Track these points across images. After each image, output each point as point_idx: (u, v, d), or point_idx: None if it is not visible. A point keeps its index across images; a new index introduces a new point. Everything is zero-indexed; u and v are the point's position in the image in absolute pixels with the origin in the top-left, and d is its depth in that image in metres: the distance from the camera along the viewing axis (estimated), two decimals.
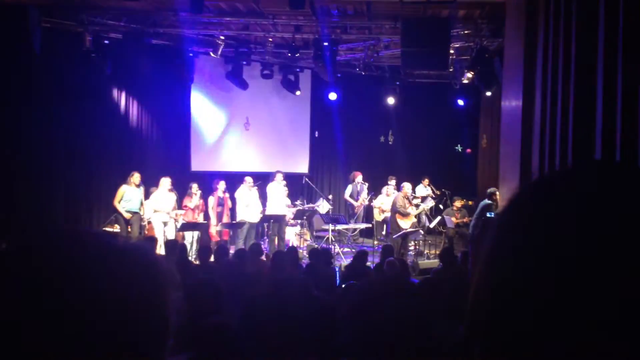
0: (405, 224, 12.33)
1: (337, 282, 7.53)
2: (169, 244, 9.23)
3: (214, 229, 12.81)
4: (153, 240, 10.04)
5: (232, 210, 13.09)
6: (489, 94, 13.48)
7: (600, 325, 0.61)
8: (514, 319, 0.66)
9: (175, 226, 12.06)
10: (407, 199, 12.54)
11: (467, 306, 0.74)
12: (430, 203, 14.08)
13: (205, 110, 15.17)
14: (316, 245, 12.11)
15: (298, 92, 14.78)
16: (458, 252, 12.54)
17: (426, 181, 14.92)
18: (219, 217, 12.95)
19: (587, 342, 0.61)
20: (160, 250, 9.63)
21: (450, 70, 13.44)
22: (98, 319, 0.82)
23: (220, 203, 12.97)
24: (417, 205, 13.14)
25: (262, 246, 11.47)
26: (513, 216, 0.73)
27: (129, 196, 11.75)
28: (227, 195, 13.00)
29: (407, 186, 12.75)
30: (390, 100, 15.52)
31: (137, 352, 0.86)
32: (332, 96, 14.89)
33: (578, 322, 0.62)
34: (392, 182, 13.94)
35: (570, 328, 0.62)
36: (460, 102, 15.28)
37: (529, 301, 0.64)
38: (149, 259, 0.92)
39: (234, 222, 12.67)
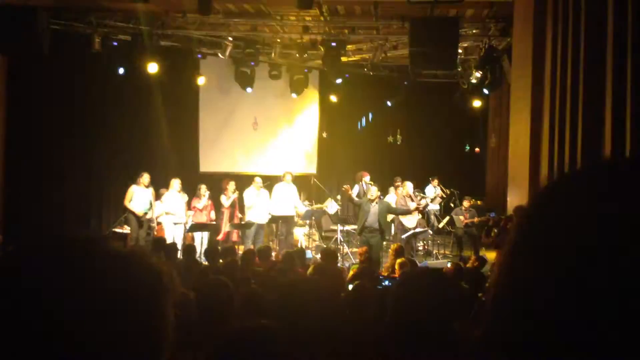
0: (409, 221, 12.29)
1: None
2: (187, 247, 9.25)
3: (228, 228, 12.80)
4: (163, 241, 10.07)
5: (242, 211, 13.10)
6: (486, 91, 13.44)
7: (623, 325, 0.60)
8: (533, 320, 0.65)
9: (185, 227, 12.11)
10: (410, 197, 12.49)
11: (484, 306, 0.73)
12: (437, 203, 14.05)
13: (213, 111, 15.19)
14: (324, 246, 12.11)
15: (294, 95, 14.72)
16: (467, 253, 12.60)
17: (435, 181, 14.86)
18: (230, 217, 12.95)
19: (611, 343, 0.60)
20: (177, 252, 9.61)
21: (459, 69, 13.40)
22: (97, 323, 0.83)
23: (231, 204, 12.97)
24: (419, 202, 13.02)
25: (272, 246, 11.50)
26: (534, 217, 0.72)
27: (138, 197, 11.80)
28: (236, 195, 12.99)
29: (408, 185, 12.70)
30: (398, 101, 15.48)
31: (137, 355, 0.86)
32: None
33: (597, 324, 0.61)
34: (399, 182, 13.91)
35: (591, 329, 0.61)
36: (471, 102, 15.22)
37: (549, 303, 0.64)
38: (146, 263, 0.92)
39: (242, 222, 12.68)
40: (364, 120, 17.20)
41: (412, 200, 12.51)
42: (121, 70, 12.52)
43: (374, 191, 11.27)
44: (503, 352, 0.69)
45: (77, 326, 0.82)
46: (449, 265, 9.40)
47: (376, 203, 11.01)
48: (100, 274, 0.87)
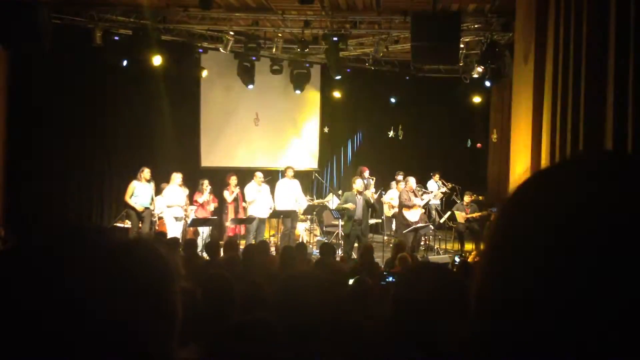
0: (412, 215, 12.29)
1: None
2: (188, 242, 9.27)
3: (230, 223, 12.80)
4: (164, 236, 10.09)
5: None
6: (487, 84, 13.40)
7: (607, 323, 0.59)
8: (515, 316, 0.64)
9: (186, 222, 12.11)
10: (413, 192, 12.50)
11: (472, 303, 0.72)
12: (438, 198, 14.05)
13: (214, 106, 15.17)
14: (326, 240, 12.11)
15: (296, 90, 14.67)
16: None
17: (437, 176, 14.86)
18: (235, 212, 12.93)
19: (596, 340, 0.59)
20: (177, 246, 9.63)
21: (461, 64, 13.38)
22: (106, 312, 0.83)
23: (234, 198, 12.96)
24: (422, 197, 13.02)
25: (274, 241, 11.50)
26: (513, 209, 0.71)
27: (139, 192, 11.82)
28: (238, 190, 12.97)
29: (411, 180, 12.71)
30: (400, 95, 15.46)
31: (146, 342, 0.87)
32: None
33: (578, 320, 0.60)
34: (400, 177, 13.92)
35: (572, 326, 0.60)
36: (472, 97, 15.19)
37: (526, 296, 0.63)
38: (154, 253, 0.93)
39: (243, 217, 12.67)
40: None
41: (416, 195, 12.52)
42: (122, 64, 12.49)
43: (359, 183, 11.58)
44: (486, 353, 0.68)
45: (86, 313, 0.82)
46: (456, 259, 9.42)
47: (361, 196, 11.39)
48: (111, 261, 0.87)
